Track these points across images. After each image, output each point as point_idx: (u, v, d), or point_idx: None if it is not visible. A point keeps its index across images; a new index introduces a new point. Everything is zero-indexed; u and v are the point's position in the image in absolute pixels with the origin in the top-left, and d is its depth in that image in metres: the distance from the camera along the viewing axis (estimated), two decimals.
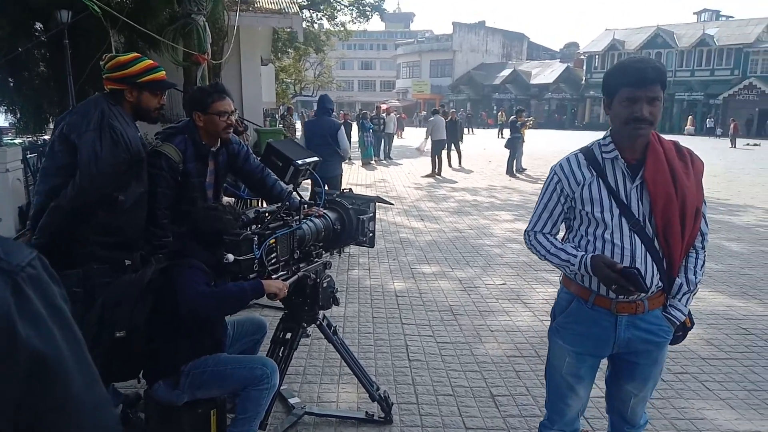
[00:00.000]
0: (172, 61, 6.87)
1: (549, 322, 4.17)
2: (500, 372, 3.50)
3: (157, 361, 2.21)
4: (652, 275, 1.82)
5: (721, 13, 45.53)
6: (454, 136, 14.79)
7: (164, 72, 2.59)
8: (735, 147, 25.86)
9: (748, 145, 27.66)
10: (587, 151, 1.94)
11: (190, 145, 2.62)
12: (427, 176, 13.65)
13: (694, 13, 46.81)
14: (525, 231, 2.11)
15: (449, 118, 14.88)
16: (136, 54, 2.57)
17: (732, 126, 28.13)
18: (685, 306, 1.91)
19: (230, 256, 2.08)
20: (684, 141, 1.96)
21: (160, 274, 2.17)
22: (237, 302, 2.15)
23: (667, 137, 1.93)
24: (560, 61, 52.17)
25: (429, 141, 14.11)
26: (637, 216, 1.82)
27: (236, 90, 13.48)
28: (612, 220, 1.84)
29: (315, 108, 7.47)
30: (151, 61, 2.56)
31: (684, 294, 1.89)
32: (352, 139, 16.18)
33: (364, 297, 4.88)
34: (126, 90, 2.50)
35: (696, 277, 1.91)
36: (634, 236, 1.82)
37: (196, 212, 2.32)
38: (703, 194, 1.88)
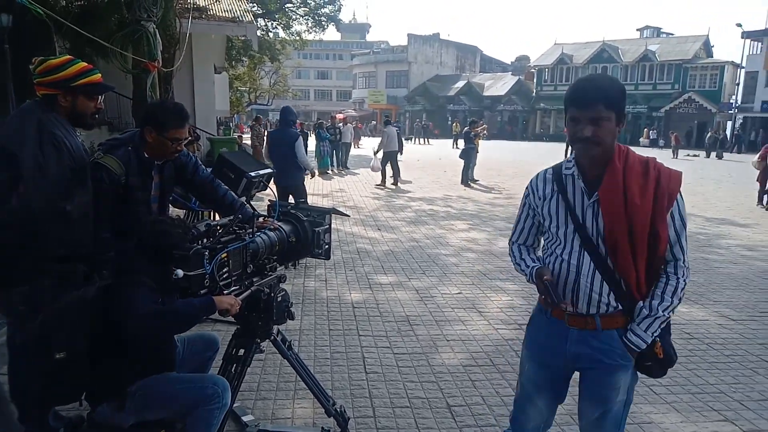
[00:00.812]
0: (121, 69, 6.67)
1: (503, 331, 4.22)
2: (456, 382, 3.52)
3: (101, 382, 2.10)
4: (600, 294, 1.81)
5: (662, 30, 47.93)
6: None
7: (100, 75, 2.49)
8: (677, 158, 27.16)
9: (688, 155, 29.13)
10: (557, 167, 1.95)
11: (134, 158, 2.53)
12: (379, 186, 13.70)
13: (637, 30, 49.00)
14: (508, 240, 2.18)
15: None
16: (68, 57, 2.47)
17: (673, 138, 29.58)
18: (646, 332, 1.80)
19: (180, 272, 2.01)
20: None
21: (105, 291, 2.08)
22: (187, 321, 2.07)
23: None
24: (512, 74, 53.66)
25: (380, 153, 14.08)
26: (590, 233, 1.81)
27: (188, 98, 13.20)
28: (566, 236, 1.85)
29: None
30: (85, 64, 2.46)
31: (644, 319, 1.80)
32: (308, 149, 16.06)
33: (321, 309, 4.82)
34: (59, 94, 2.40)
35: (660, 303, 1.79)
36: (584, 253, 1.82)
37: (143, 226, 2.23)
38: (665, 216, 1.78)
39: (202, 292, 2.10)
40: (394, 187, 13.72)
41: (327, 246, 2.80)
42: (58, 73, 2.37)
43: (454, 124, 36.56)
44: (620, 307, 1.83)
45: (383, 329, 4.39)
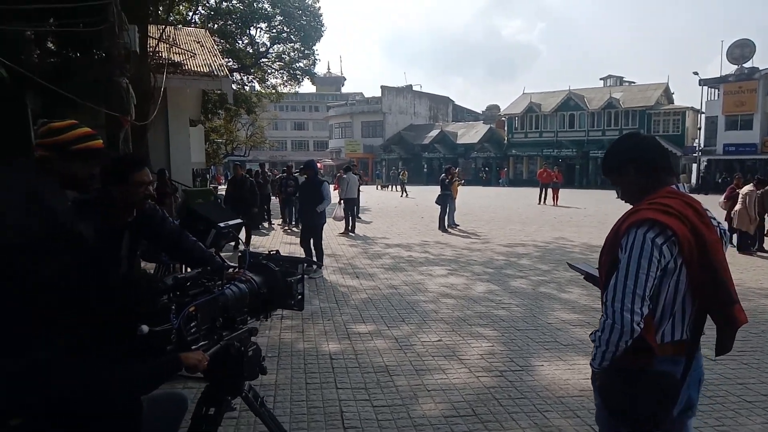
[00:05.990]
0: (93, 124, 6.66)
1: (485, 379, 4.14)
2: None
3: None
4: None
5: (624, 79, 49.99)
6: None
7: (101, 141, 2.45)
8: None
9: None
10: None
11: (101, 220, 2.46)
12: (342, 234, 13.53)
13: (600, 79, 51.11)
14: None
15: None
16: (72, 121, 2.43)
17: None
18: (593, 352, 1.88)
19: (144, 328, 1.92)
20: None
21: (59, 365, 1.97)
22: (153, 381, 1.97)
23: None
24: (483, 122, 55.18)
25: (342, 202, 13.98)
26: None
27: (163, 151, 13.22)
28: None
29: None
30: (88, 129, 2.42)
31: None
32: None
33: (297, 362, 4.68)
34: (55, 158, 2.32)
35: (594, 335, 1.86)
36: None
37: (110, 285, 2.15)
38: (609, 251, 1.91)
39: (168, 348, 2.01)
40: (352, 234, 13.59)
41: (300, 296, 2.73)
42: (57, 136, 2.32)
43: (402, 173, 35.39)
44: None
45: (362, 381, 4.27)
